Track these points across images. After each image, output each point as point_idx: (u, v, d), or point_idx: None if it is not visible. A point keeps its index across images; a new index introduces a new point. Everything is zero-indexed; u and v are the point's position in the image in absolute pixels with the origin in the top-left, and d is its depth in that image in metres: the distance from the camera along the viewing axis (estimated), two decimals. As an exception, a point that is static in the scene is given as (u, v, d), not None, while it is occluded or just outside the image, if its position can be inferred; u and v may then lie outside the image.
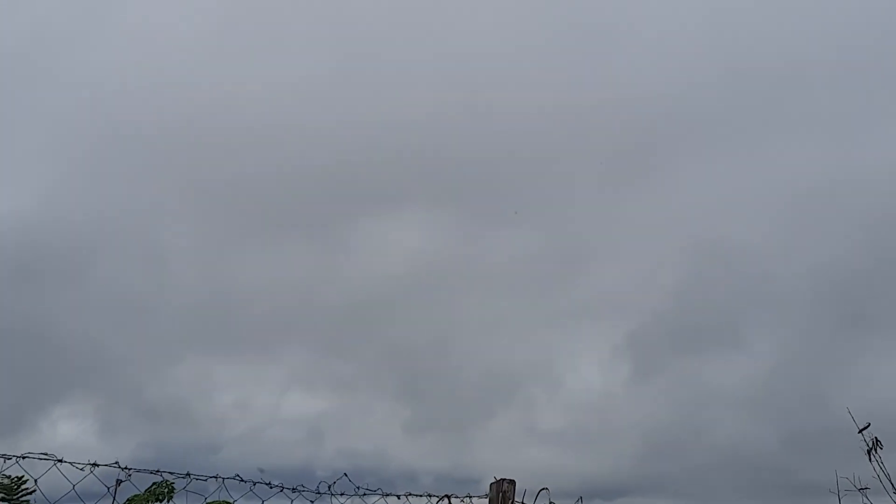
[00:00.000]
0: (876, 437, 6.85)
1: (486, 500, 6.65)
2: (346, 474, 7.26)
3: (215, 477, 6.16)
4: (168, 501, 11.00)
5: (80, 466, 5.77)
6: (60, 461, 5.67)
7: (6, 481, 9.70)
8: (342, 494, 6.59)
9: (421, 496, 6.77)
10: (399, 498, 6.73)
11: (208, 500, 6.28)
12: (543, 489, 6.70)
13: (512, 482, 6.60)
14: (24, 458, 5.53)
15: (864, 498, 6.76)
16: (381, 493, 6.70)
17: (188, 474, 6.19)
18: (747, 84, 32.35)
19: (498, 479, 6.58)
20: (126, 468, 5.91)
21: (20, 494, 9.83)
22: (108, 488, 5.84)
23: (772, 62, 30.82)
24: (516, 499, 6.59)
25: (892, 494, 6.68)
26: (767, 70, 31.19)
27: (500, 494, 6.56)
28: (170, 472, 6.13)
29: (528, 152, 31.63)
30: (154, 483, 10.49)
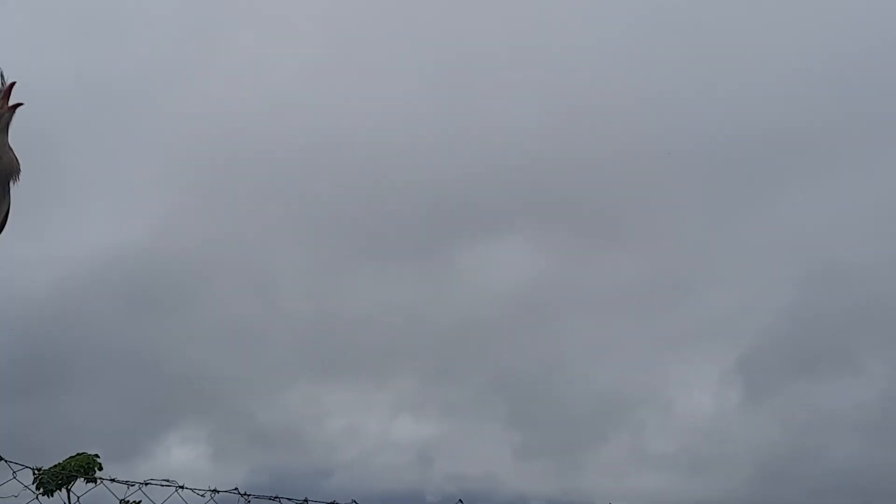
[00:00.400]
0: None
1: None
2: (461, 501, 7.04)
3: (332, 503, 6.05)
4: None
5: (201, 493, 5.75)
6: (182, 487, 5.66)
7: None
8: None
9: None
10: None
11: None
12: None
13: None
14: (146, 484, 5.56)
15: None
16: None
17: (306, 500, 6.10)
18: (857, 102, 30.77)
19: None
20: (245, 494, 5.86)
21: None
22: (229, 515, 5.79)
23: (882, 77, 29.19)
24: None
25: None
26: (878, 86, 29.56)
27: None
28: (288, 499, 6.05)
29: (634, 175, 30.97)
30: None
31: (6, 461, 4.76)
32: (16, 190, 4.88)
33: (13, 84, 4.71)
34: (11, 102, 4.76)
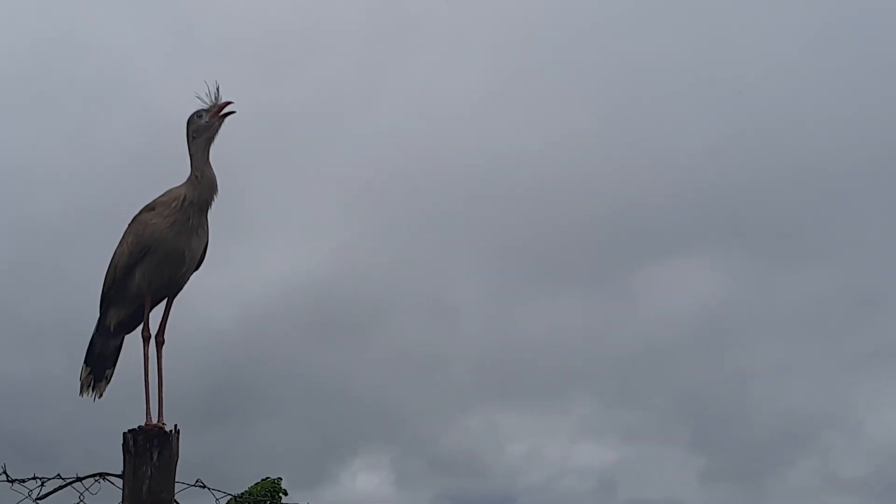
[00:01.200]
0: None
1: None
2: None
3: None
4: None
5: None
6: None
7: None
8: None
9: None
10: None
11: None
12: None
13: None
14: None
15: None
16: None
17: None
18: None
19: None
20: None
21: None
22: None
23: None
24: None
25: None
26: None
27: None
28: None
29: (816, 190, 29.58)
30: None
31: (210, 489, 5.04)
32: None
33: (228, 102, 4.87)
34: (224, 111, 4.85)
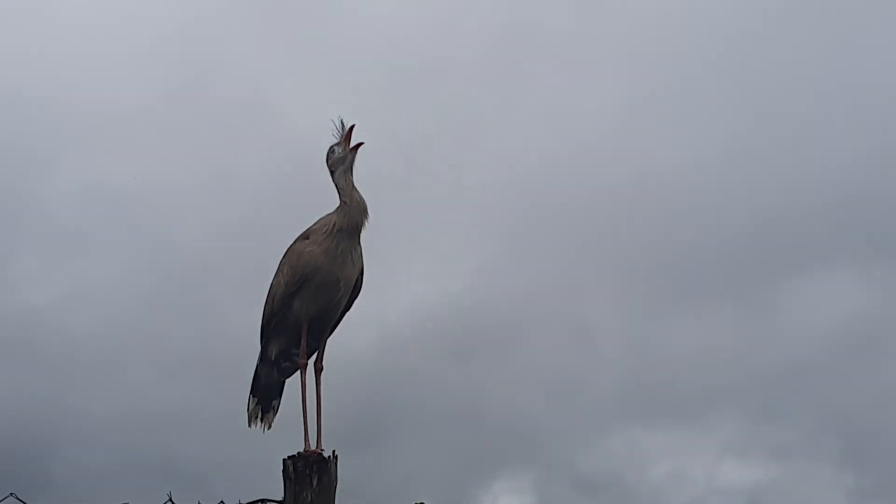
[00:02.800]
0: None
1: None
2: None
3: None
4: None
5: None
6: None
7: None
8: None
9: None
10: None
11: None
12: None
13: None
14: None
15: None
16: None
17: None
18: None
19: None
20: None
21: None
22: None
23: None
24: None
25: None
26: None
27: None
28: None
29: None
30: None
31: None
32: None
33: (353, 127, 4.98)
34: (353, 143, 4.99)
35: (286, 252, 5.16)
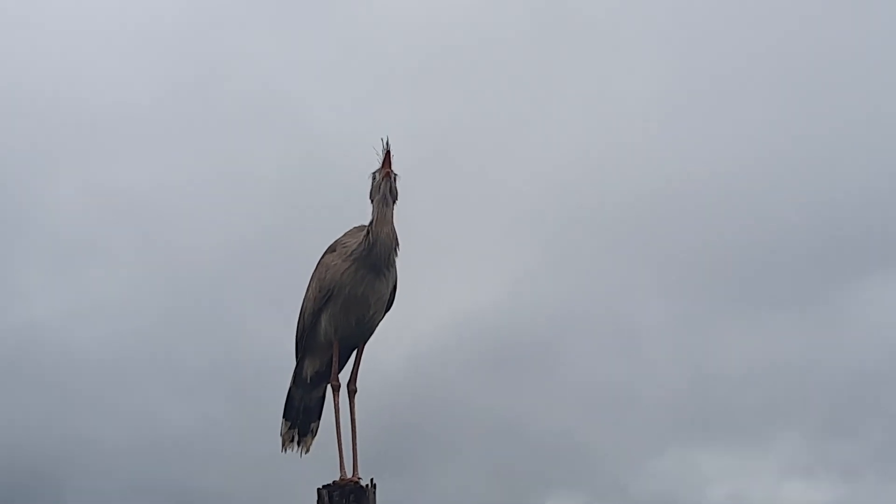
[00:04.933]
0: None
1: None
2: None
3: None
4: None
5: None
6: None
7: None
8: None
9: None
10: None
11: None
12: None
13: None
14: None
15: None
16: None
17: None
18: None
19: None
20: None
21: None
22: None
23: None
24: None
25: None
26: None
27: None
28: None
29: None
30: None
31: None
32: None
33: (388, 152, 4.60)
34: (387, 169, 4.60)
35: (317, 264, 4.87)
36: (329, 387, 4.92)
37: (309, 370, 5.07)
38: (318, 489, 4.44)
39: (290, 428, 5.18)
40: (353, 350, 4.94)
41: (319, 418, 5.21)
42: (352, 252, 4.63)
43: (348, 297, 4.66)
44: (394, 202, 4.62)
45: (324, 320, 4.78)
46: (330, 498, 4.39)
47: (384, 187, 4.57)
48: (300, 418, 5.19)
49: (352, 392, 4.83)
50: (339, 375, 4.87)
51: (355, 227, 4.80)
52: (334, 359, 4.83)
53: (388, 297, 4.81)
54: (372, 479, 4.49)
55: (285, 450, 5.19)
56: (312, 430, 5.23)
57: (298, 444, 5.20)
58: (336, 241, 4.81)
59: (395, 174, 4.60)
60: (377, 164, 4.61)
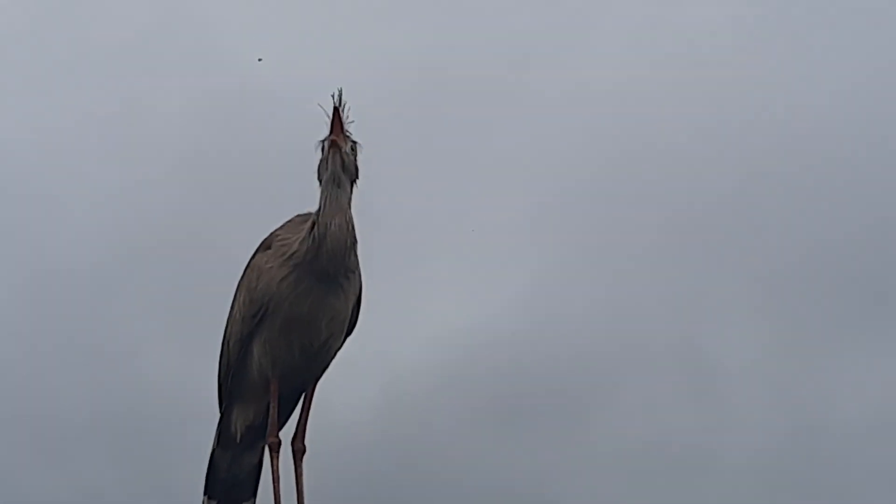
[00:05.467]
0: None
1: None
2: None
3: None
4: None
5: None
6: None
7: None
8: None
9: None
10: None
11: None
12: None
13: None
14: None
15: None
16: None
17: None
18: None
19: None
20: None
21: None
22: None
23: None
24: None
25: None
26: None
27: None
28: None
29: None
30: None
31: None
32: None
33: (337, 109, 3.33)
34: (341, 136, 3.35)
35: (246, 267, 3.64)
36: (267, 447, 3.69)
37: (238, 423, 3.82)
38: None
39: (213, 509, 3.94)
40: (301, 393, 3.74)
41: (255, 495, 4.00)
42: (292, 253, 3.36)
43: (289, 317, 3.39)
44: (351, 182, 3.35)
45: (256, 350, 3.54)
46: None
47: (333, 162, 3.32)
48: (228, 495, 3.96)
49: (298, 452, 3.63)
50: (281, 430, 3.66)
51: (298, 216, 3.52)
52: (272, 406, 3.58)
53: (347, 316, 3.55)
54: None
55: (207, 539, 3.95)
56: (247, 511, 4.02)
57: (225, 530, 3.98)
58: (272, 235, 3.53)
59: (355, 142, 3.36)
60: (326, 127, 3.34)
